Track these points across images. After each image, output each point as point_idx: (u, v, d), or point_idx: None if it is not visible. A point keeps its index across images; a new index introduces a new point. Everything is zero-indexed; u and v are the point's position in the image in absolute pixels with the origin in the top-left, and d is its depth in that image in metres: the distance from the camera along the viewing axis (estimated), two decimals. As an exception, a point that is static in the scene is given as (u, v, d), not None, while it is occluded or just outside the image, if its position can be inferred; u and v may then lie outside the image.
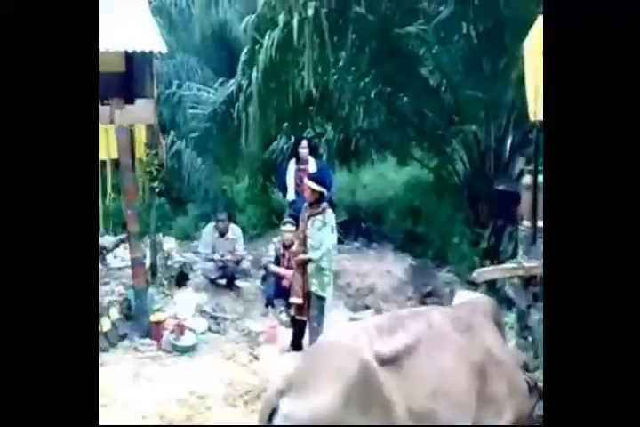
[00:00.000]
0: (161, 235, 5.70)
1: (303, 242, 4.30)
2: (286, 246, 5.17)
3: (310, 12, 5.69)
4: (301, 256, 4.27)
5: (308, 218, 4.30)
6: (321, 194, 4.31)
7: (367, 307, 5.39)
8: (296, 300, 4.30)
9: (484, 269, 3.66)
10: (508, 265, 3.42)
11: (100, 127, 4.65)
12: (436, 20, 5.98)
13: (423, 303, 5.45)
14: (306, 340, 4.40)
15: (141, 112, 4.78)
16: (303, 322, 4.40)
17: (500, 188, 6.02)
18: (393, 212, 7.12)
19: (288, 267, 5.19)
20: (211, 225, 5.53)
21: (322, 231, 4.26)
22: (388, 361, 2.38)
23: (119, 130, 4.64)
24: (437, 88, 6.61)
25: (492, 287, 4.31)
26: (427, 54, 6.47)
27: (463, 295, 3.37)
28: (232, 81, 6.65)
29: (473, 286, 4.86)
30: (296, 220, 5.68)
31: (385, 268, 6.06)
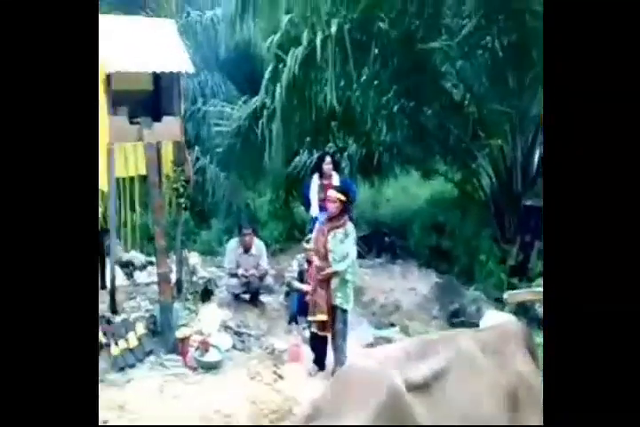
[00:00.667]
0: (186, 250, 5.82)
1: (325, 256, 4.33)
2: (310, 263, 5.24)
3: (333, 29, 5.84)
4: (328, 271, 4.29)
5: (329, 231, 4.34)
6: (344, 206, 4.37)
7: (392, 325, 5.39)
8: (322, 316, 4.31)
9: (515, 291, 3.65)
10: (540, 289, 3.40)
11: (129, 144, 4.85)
12: (460, 35, 6.04)
13: (450, 322, 5.44)
14: (330, 357, 4.44)
15: (168, 129, 4.97)
16: (325, 339, 4.44)
17: (528, 203, 6.00)
18: (417, 227, 7.14)
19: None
20: (235, 240, 5.62)
21: (345, 243, 4.31)
22: (417, 387, 2.37)
23: (148, 147, 4.80)
24: (461, 102, 6.67)
25: (521, 306, 4.30)
26: (450, 69, 6.55)
27: (492, 315, 3.36)
28: (256, 98, 6.81)
29: (501, 304, 4.83)
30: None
31: (409, 285, 6.06)
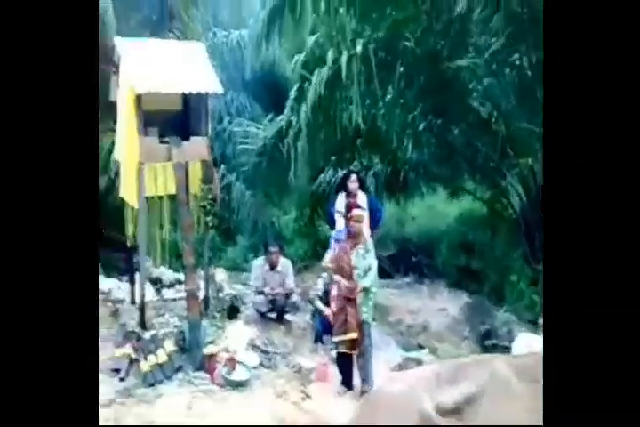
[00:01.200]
0: (213, 267, 5.93)
1: (351, 275, 4.37)
2: (334, 282, 5.29)
3: (359, 48, 5.98)
4: (358, 289, 4.34)
5: (352, 248, 4.40)
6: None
7: (420, 346, 5.37)
8: (353, 335, 4.33)
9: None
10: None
11: (159, 164, 5.00)
12: (487, 53, 6.12)
13: (480, 344, 5.39)
14: (356, 376, 4.45)
15: (196, 149, 5.09)
16: (351, 358, 4.45)
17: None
18: (445, 246, 7.13)
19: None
20: (261, 258, 5.70)
21: (367, 258, 4.40)
22: (449, 411, 2.36)
23: (177, 166, 4.93)
24: (489, 120, 6.71)
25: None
26: (478, 86, 6.61)
27: (525, 338, 3.30)
28: (281, 117, 6.98)
29: (533, 326, 4.79)
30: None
31: (438, 305, 6.04)
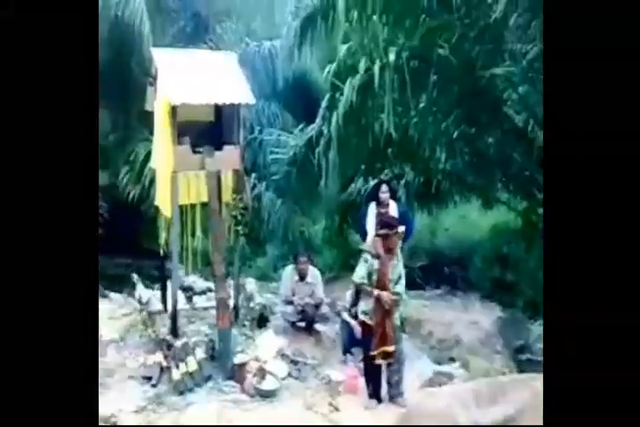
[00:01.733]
0: (243, 276, 6.01)
1: (386, 286, 4.38)
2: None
3: (392, 57, 5.98)
4: (396, 298, 4.40)
5: (390, 261, 4.44)
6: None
7: (452, 359, 5.32)
8: (392, 347, 4.35)
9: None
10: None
11: (191, 173, 5.13)
12: (524, 61, 6.06)
13: (514, 358, 5.30)
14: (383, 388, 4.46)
15: (229, 158, 5.21)
16: (380, 370, 4.46)
17: (598, 233, 5.83)
18: (478, 258, 7.06)
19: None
20: (291, 268, 5.76)
21: (397, 267, 4.48)
22: None
23: (209, 175, 5.05)
24: (524, 128, 6.63)
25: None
26: (513, 94, 6.55)
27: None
28: (312, 126, 7.05)
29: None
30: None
31: (471, 318, 5.98)
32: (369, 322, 4.45)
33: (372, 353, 4.40)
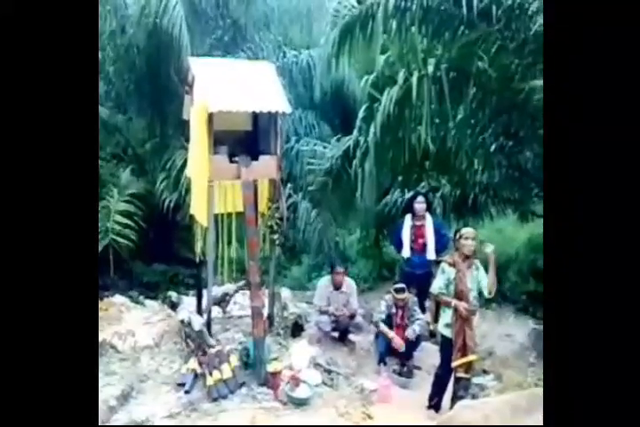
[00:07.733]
0: (278, 285, 6.18)
1: (468, 297, 4.42)
2: (399, 307, 5.46)
3: (430, 68, 6.12)
4: (474, 308, 4.47)
5: (468, 269, 4.50)
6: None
7: (485, 371, 5.38)
8: (472, 357, 4.42)
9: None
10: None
11: (228, 182, 5.28)
12: (563, 73, 6.09)
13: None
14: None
15: (265, 168, 5.37)
16: (446, 380, 4.56)
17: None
18: (513, 271, 7.08)
19: (399, 326, 5.44)
20: (327, 278, 5.93)
21: (480, 278, 4.51)
22: None
23: (245, 185, 5.20)
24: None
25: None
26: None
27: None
28: (349, 136, 7.21)
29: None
30: (410, 277, 5.96)
31: (505, 331, 6.02)
32: (449, 336, 4.46)
33: (454, 365, 4.41)
